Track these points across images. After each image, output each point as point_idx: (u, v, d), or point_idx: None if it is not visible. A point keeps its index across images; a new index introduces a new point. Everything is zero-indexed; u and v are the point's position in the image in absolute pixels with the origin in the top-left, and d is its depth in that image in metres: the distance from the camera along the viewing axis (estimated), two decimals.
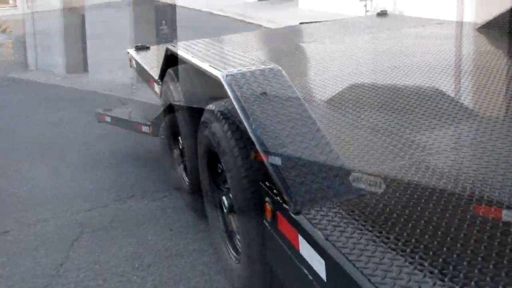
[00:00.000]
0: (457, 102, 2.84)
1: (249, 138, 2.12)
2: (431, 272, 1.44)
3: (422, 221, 1.69)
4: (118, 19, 11.31)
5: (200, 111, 2.74)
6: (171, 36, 8.66)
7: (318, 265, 1.66)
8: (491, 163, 2.08)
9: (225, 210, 2.64)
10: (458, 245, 1.54)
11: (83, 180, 4.20)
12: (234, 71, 2.34)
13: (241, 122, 2.17)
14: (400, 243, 1.58)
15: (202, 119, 2.68)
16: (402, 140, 2.35)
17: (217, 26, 12.46)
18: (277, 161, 1.96)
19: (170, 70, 3.42)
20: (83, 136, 5.25)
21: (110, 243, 3.25)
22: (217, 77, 2.36)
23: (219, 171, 2.72)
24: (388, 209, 1.78)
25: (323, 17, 7.96)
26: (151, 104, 4.43)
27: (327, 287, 1.64)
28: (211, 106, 2.58)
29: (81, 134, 5.32)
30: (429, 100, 2.87)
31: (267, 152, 2.00)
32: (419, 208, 1.77)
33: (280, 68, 2.39)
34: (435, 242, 1.56)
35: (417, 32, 4.92)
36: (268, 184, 2.07)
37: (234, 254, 2.65)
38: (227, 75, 2.31)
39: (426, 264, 1.47)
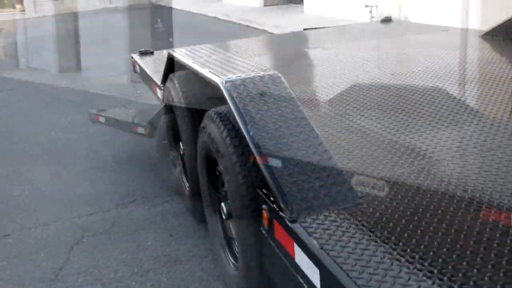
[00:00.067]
0: (461, 108, 2.82)
1: (247, 145, 2.11)
2: (426, 283, 1.42)
3: (419, 231, 1.67)
4: (116, 22, 11.46)
5: (201, 116, 2.74)
6: (167, 35, 8.60)
7: (313, 274, 1.65)
8: (493, 167, 2.08)
9: (224, 217, 2.63)
10: (454, 256, 1.53)
11: (85, 184, 4.21)
12: (233, 77, 2.33)
13: (239, 128, 2.16)
14: (395, 253, 1.57)
15: (202, 124, 2.67)
16: (402, 148, 2.33)
17: (221, 32, 12.47)
18: (274, 168, 1.95)
19: (171, 75, 3.42)
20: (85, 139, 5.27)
21: (111, 247, 3.25)
22: (216, 83, 2.36)
23: (218, 176, 2.71)
24: (384, 218, 1.77)
25: (329, 23, 7.98)
26: (151, 105, 4.42)
27: None
28: (210, 112, 2.58)
29: (82, 137, 5.34)
30: (432, 105, 2.86)
31: (264, 159, 1.99)
32: (416, 218, 1.75)
33: (280, 74, 2.38)
34: (431, 253, 1.55)
35: (421, 38, 4.91)
36: (265, 191, 2.06)
37: (233, 261, 2.64)
38: (226, 81, 2.30)
39: (420, 275, 1.45)
